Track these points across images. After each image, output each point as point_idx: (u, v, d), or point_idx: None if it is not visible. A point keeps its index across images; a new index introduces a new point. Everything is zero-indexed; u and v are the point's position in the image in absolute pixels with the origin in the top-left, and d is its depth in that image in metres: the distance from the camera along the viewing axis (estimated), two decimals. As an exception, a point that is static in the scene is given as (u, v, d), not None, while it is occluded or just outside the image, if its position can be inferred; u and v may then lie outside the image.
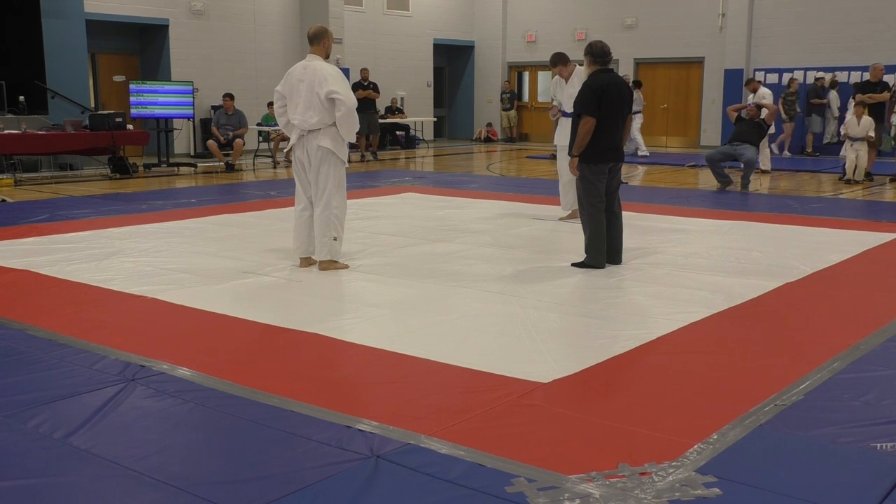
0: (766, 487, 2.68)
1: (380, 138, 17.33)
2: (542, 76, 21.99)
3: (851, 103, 12.32)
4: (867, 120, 11.78)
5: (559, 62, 8.06)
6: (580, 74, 7.74)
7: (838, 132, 14.28)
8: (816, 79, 16.82)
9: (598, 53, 6.09)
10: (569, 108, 7.92)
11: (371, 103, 15.91)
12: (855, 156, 11.96)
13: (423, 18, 20.97)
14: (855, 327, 4.56)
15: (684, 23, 19.05)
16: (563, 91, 8.07)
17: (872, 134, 11.77)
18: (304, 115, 5.83)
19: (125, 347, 4.16)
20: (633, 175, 13.49)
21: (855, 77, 16.55)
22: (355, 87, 15.93)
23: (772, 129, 12.63)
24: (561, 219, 8.33)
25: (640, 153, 16.57)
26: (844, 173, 12.26)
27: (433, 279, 5.71)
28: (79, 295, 5.28)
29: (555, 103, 8.36)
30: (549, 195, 9.97)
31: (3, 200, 9.76)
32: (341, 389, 3.66)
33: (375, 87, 16.20)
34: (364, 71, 16.41)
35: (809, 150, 16.78)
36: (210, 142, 14.05)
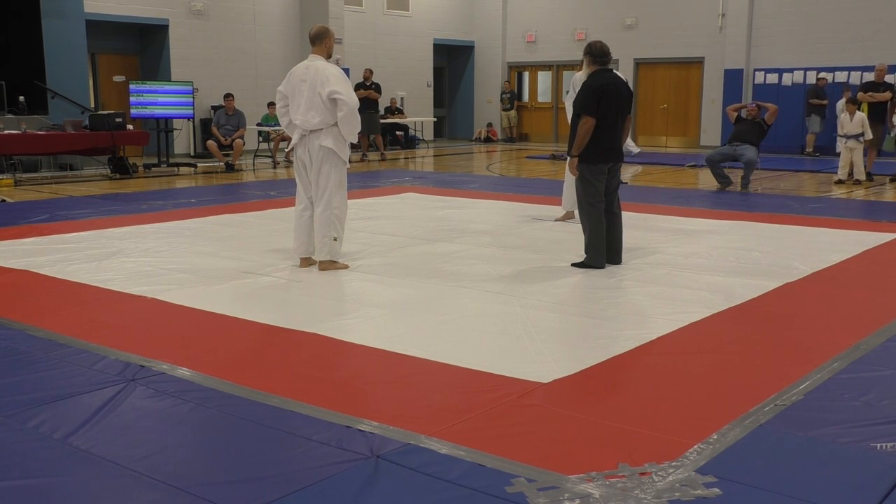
0: (766, 487, 2.68)
1: (382, 138, 17.33)
2: (542, 76, 21.99)
3: (842, 101, 12.30)
4: (860, 116, 11.75)
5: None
6: None
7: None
8: (818, 78, 16.74)
9: (597, 53, 6.09)
10: None
11: (372, 103, 15.97)
12: (850, 154, 11.92)
13: (423, 18, 20.97)
14: (855, 327, 4.56)
15: (684, 23, 19.05)
16: None
17: (870, 136, 11.72)
18: (305, 115, 5.84)
19: (125, 347, 4.16)
20: (633, 175, 13.49)
21: (855, 77, 16.55)
22: (357, 87, 15.98)
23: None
24: (556, 219, 8.32)
25: (633, 151, 16.24)
26: (839, 174, 12.22)
27: (433, 279, 5.71)
28: (79, 295, 5.28)
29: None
30: (549, 195, 9.97)
31: (3, 200, 9.76)
32: (341, 389, 3.66)
33: (378, 88, 16.23)
34: (367, 71, 16.42)
35: (810, 149, 16.76)
36: (210, 142, 14.05)
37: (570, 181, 8.22)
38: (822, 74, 16.83)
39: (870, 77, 14.04)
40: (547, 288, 5.47)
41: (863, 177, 11.94)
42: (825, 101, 16.36)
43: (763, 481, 2.72)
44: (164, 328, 4.59)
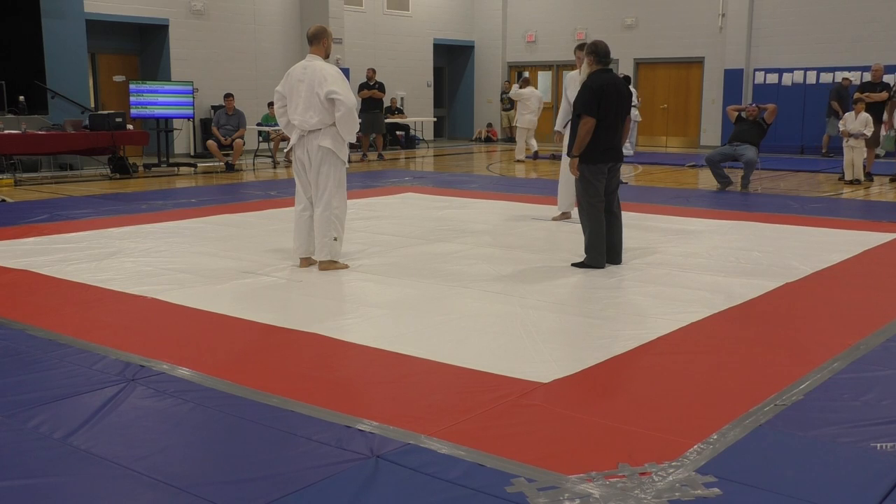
0: (766, 487, 2.68)
1: (382, 138, 17.34)
2: (543, 76, 21.99)
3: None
4: (865, 116, 11.76)
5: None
6: None
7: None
8: (843, 79, 16.33)
9: (602, 53, 6.08)
10: None
11: (376, 103, 15.98)
12: (852, 154, 11.93)
13: (423, 18, 20.97)
14: (855, 327, 4.56)
15: (684, 23, 19.06)
16: (576, 91, 7.99)
17: (867, 132, 11.72)
18: (303, 115, 5.83)
19: (125, 347, 4.16)
20: (633, 175, 13.49)
21: (855, 77, 16.47)
22: (361, 87, 15.99)
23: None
24: (553, 219, 8.33)
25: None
26: (844, 174, 12.23)
27: (433, 279, 5.71)
28: (79, 295, 5.28)
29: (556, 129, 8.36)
30: (550, 195, 9.96)
31: (3, 200, 9.76)
32: (341, 389, 3.66)
33: (381, 87, 16.23)
34: (370, 71, 16.43)
35: (824, 151, 16.50)
36: (210, 142, 14.05)
37: (565, 181, 8.23)
38: (847, 75, 16.43)
39: (868, 77, 14.01)
40: (547, 288, 5.47)
41: (861, 176, 11.94)
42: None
43: (763, 481, 2.72)
44: (164, 328, 4.59)
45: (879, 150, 13.11)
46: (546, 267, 6.14)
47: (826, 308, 5.10)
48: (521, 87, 16.19)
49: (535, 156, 16.27)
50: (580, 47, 7.90)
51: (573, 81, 8.05)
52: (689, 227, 8.01)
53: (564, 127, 8.20)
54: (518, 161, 16.04)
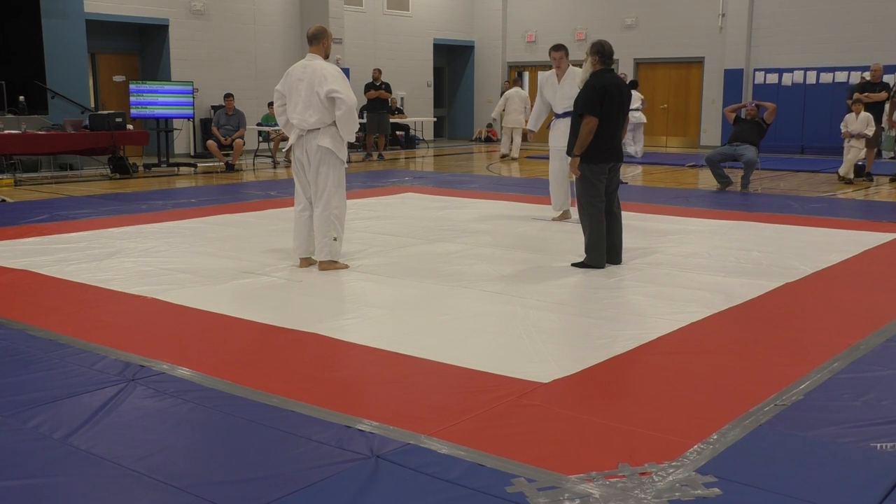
0: (766, 487, 2.68)
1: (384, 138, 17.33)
2: (542, 76, 21.97)
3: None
4: (865, 115, 11.77)
5: (563, 50, 8.02)
6: (574, 75, 7.73)
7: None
8: (861, 77, 16.30)
9: (608, 54, 6.08)
10: (560, 109, 7.94)
11: (382, 103, 16.00)
12: (851, 154, 11.95)
13: (423, 18, 20.97)
14: (855, 327, 4.56)
15: (684, 23, 19.06)
16: (555, 92, 8.05)
17: (869, 132, 11.73)
18: (303, 114, 5.83)
19: (125, 347, 4.16)
20: (633, 175, 13.49)
21: (855, 77, 16.46)
22: (367, 88, 16.01)
23: None
24: (553, 219, 8.34)
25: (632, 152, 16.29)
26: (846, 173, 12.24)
27: (433, 279, 5.71)
28: (79, 295, 5.28)
29: (529, 125, 8.45)
30: (549, 195, 9.95)
31: (3, 200, 9.76)
32: (341, 389, 3.66)
33: (388, 88, 16.27)
34: (376, 71, 16.46)
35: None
36: (210, 142, 14.05)
37: (556, 181, 8.23)
38: (864, 74, 16.28)
39: (866, 77, 14.01)
40: (547, 288, 5.47)
41: (850, 176, 11.93)
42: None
43: (763, 481, 2.72)
44: (164, 328, 4.59)
45: (885, 152, 13.09)
46: (546, 267, 6.15)
47: (826, 308, 5.10)
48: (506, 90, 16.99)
49: (504, 157, 16.74)
50: (555, 48, 8.04)
51: (549, 81, 8.14)
52: (689, 227, 8.01)
53: (547, 128, 8.31)
54: (513, 159, 16.25)
